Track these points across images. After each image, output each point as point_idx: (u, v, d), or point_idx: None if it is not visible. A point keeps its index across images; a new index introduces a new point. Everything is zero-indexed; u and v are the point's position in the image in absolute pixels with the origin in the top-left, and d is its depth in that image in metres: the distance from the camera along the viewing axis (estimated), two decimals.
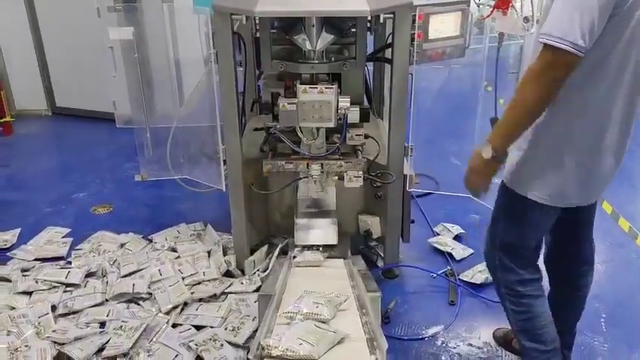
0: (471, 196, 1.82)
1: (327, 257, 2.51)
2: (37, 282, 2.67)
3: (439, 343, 2.43)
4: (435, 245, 3.10)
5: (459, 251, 3.04)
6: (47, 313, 2.44)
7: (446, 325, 2.52)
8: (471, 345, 2.41)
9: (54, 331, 2.34)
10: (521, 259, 1.92)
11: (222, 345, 2.27)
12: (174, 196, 3.56)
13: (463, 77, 5.93)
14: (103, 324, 2.43)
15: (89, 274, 2.76)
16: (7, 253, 3.01)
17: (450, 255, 3.01)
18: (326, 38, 2.33)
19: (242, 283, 2.70)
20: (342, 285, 2.17)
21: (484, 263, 2.85)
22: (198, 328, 2.41)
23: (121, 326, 2.37)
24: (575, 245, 2.03)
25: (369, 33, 2.47)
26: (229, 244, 2.96)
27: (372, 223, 2.80)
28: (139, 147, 3.24)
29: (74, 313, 2.50)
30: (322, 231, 2.60)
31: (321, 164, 2.52)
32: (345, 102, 2.35)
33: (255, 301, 2.49)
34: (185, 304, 2.55)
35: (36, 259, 2.94)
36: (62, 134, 5.04)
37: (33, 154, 4.53)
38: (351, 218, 2.84)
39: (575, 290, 2.09)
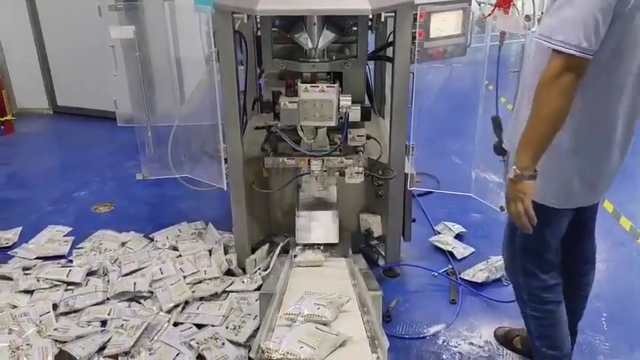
0: (519, 226, 1.71)
1: (329, 256, 2.51)
2: (38, 280, 2.68)
3: (440, 341, 2.43)
4: (436, 244, 3.10)
5: (460, 250, 3.04)
6: (48, 312, 2.44)
7: (447, 323, 2.52)
8: (472, 344, 2.41)
9: (55, 329, 2.35)
10: (545, 263, 1.90)
11: (223, 344, 2.28)
12: (176, 195, 3.56)
13: (464, 76, 5.92)
14: (104, 322, 2.43)
15: (90, 273, 2.77)
16: (9, 252, 3.02)
17: (451, 254, 3.01)
18: (327, 37, 2.33)
19: (243, 282, 2.70)
20: (343, 285, 2.16)
21: (485, 262, 2.90)
22: (200, 326, 2.41)
23: (123, 325, 2.37)
24: (577, 245, 2.03)
25: (370, 31, 2.47)
26: (230, 243, 2.96)
27: (373, 222, 2.80)
28: (140, 145, 3.24)
29: (75, 311, 2.50)
30: (323, 230, 2.59)
31: (322, 160, 2.52)
32: (346, 101, 2.35)
33: (256, 300, 2.49)
34: (186, 302, 2.56)
35: (37, 258, 2.95)
36: (63, 133, 5.04)
37: (34, 152, 4.53)
38: (352, 217, 2.84)
39: (577, 290, 2.09)
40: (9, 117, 4.83)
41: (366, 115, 2.45)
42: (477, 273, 2.82)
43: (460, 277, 2.82)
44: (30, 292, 2.63)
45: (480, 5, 2.83)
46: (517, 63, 2.48)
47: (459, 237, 3.19)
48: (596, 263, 2.12)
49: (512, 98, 2.44)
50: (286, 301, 2.01)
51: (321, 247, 2.53)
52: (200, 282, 2.70)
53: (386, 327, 2.36)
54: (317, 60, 2.36)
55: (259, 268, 2.77)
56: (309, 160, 2.54)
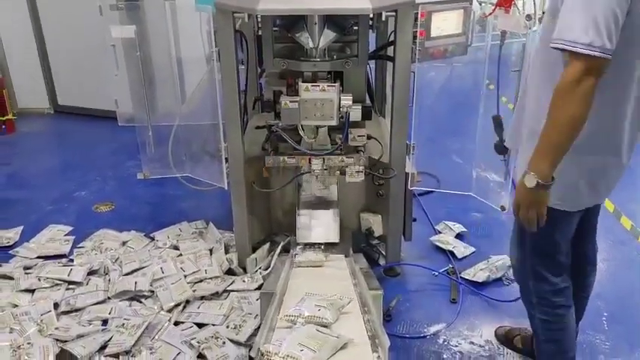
0: (526, 228, 1.68)
1: (329, 256, 2.51)
2: (39, 280, 2.68)
3: (441, 341, 2.43)
4: (437, 243, 3.10)
5: (461, 249, 3.04)
6: (50, 311, 2.45)
7: (448, 323, 2.52)
8: (472, 343, 2.41)
9: (56, 328, 2.35)
10: (556, 265, 1.88)
11: (224, 343, 2.28)
12: (176, 194, 3.56)
13: (465, 75, 5.93)
14: (105, 322, 2.43)
15: (91, 272, 2.77)
16: (10, 251, 3.02)
17: (452, 253, 3.01)
18: (328, 36, 2.33)
19: (244, 281, 2.70)
20: (344, 286, 2.14)
21: (486, 261, 2.90)
22: (200, 325, 2.42)
23: (124, 324, 2.37)
24: (579, 245, 2.02)
25: (371, 31, 2.47)
26: (231, 242, 2.97)
27: (374, 222, 2.80)
28: (140, 145, 3.24)
29: (76, 310, 2.50)
30: (324, 228, 2.59)
31: (323, 159, 2.52)
32: (347, 100, 2.35)
33: (257, 299, 2.50)
34: (187, 301, 2.56)
35: (38, 257, 2.95)
36: (64, 132, 5.04)
37: (35, 152, 4.53)
38: (352, 216, 2.84)
39: (579, 290, 2.07)
40: (10, 116, 4.83)
41: (366, 115, 2.45)
42: (477, 272, 2.82)
43: (461, 277, 2.82)
44: (31, 291, 2.63)
45: (480, 4, 2.83)
46: (518, 62, 2.48)
47: (459, 236, 3.19)
48: (597, 264, 2.12)
49: (513, 97, 2.44)
50: (286, 302, 1.99)
51: (322, 247, 2.53)
52: (201, 281, 2.70)
53: (386, 326, 2.36)
54: (318, 59, 2.36)
55: (260, 268, 2.77)
56: (309, 159, 2.54)
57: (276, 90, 2.43)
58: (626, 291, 2.73)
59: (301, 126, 2.47)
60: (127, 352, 2.23)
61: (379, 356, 1.66)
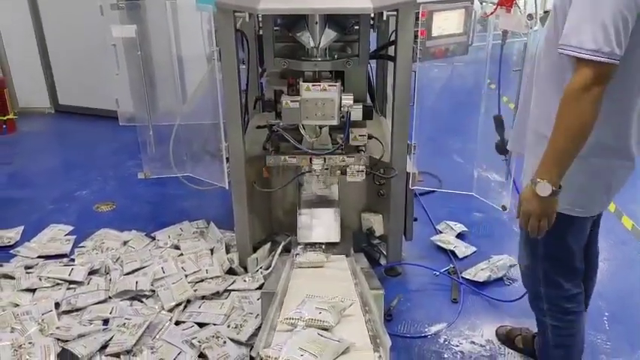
0: (533, 236, 1.67)
1: (330, 256, 2.50)
2: (40, 279, 2.68)
3: (442, 340, 2.43)
4: (438, 243, 3.09)
5: (462, 249, 3.04)
6: (51, 311, 2.45)
7: (448, 322, 2.52)
8: (473, 343, 2.41)
9: (57, 328, 2.35)
10: (571, 271, 1.86)
11: (225, 342, 2.28)
12: (177, 194, 3.56)
13: (466, 75, 5.92)
14: (106, 321, 2.44)
15: (92, 272, 2.77)
16: (11, 251, 3.02)
17: (453, 253, 3.01)
18: (329, 35, 2.32)
19: (245, 281, 2.70)
20: (346, 287, 2.12)
21: (487, 261, 2.89)
22: (201, 325, 2.42)
23: (124, 323, 2.37)
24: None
25: (372, 30, 2.47)
26: (232, 242, 2.96)
27: (375, 221, 2.80)
28: (141, 145, 3.24)
29: (77, 310, 2.51)
30: (325, 228, 2.60)
31: (324, 159, 2.52)
32: (348, 100, 2.35)
33: (257, 299, 2.49)
34: (188, 301, 2.56)
35: (39, 257, 2.95)
36: (65, 132, 5.04)
37: (36, 151, 4.53)
38: (353, 216, 2.84)
39: None
40: (11, 116, 4.83)
41: (367, 114, 2.45)
42: (478, 272, 2.82)
43: (462, 276, 2.82)
44: (32, 290, 2.63)
45: (482, 4, 2.82)
46: (519, 62, 2.47)
47: (460, 236, 3.19)
48: (598, 266, 2.12)
49: (514, 97, 2.44)
50: (287, 304, 1.96)
51: (323, 247, 2.53)
52: (202, 281, 2.70)
53: (387, 326, 2.36)
54: (319, 59, 2.36)
55: (261, 267, 2.77)
56: (310, 159, 2.54)
57: (277, 89, 2.43)
58: (627, 291, 2.73)
59: (302, 125, 2.47)
60: (128, 352, 2.23)
61: (380, 356, 1.66)
